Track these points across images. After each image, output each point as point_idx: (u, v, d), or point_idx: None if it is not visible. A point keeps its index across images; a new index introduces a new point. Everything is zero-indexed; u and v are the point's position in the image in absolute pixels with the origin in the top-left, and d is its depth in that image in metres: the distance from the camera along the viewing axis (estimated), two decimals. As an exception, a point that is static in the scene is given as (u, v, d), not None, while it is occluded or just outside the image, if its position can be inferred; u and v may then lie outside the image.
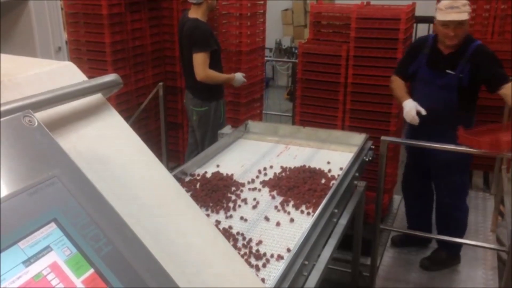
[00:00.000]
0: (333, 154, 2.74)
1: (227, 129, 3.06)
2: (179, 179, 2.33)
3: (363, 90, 3.47)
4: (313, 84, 3.63)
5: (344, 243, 2.24)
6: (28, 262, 0.58)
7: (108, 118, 0.89)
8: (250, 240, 1.88)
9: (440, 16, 2.84)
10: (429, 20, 5.86)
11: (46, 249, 0.60)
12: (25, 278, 0.57)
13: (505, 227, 3.28)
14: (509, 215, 2.92)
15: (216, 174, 2.40)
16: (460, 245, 3.22)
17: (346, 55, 3.47)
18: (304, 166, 2.52)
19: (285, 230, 1.96)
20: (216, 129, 3.31)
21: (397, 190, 4.12)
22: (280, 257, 1.76)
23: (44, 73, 0.84)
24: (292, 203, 2.16)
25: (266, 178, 2.41)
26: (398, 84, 3.08)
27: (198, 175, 2.42)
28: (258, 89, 4.36)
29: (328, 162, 2.59)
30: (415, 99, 2.97)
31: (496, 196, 3.63)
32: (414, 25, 4.27)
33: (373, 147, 2.81)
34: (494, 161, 3.82)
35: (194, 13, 3.48)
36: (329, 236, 2.03)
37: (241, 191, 2.29)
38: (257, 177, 2.42)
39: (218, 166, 2.55)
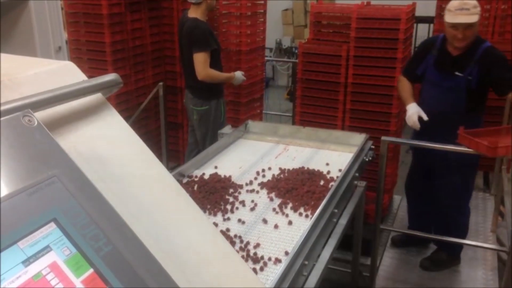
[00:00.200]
0: (333, 155, 2.74)
1: (227, 129, 3.06)
2: (177, 181, 2.31)
3: (363, 90, 3.47)
4: (313, 84, 3.63)
5: (344, 243, 2.23)
6: (27, 262, 0.58)
7: (108, 117, 0.89)
8: (248, 243, 1.86)
9: (449, 18, 2.80)
10: (429, 20, 5.88)
11: (46, 249, 0.60)
12: (24, 278, 0.57)
13: (505, 227, 3.28)
14: (509, 215, 2.92)
15: (214, 176, 2.39)
16: (460, 246, 3.22)
17: (346, 55, 3.48)
18: (303, 167, 2.51)
19: (283, 232, 1.95)
20: (217, 128, 3.31)
21: (397, 190, 4.12)
22: (277, 261, 1.74)
23: (44, 72, 0.84)
24: (290, 205, 2.14)
25: (265, 180, 2.39)
26: (404, 86, 3.08)
27: (196, 176, 2.40)
28: (258, 89, 4.36)
29: (327, 164, 2.57)
30: (422, 101, 2.97)
31: (496, 196, 3.63)
32: (414, 25, 4.27)
33: (373, 147, 2.80)
34: (494, 161, 3.82)
35: (194, 13, 3.49)
36: (329, 236, 2.02)
37: (239, 193, 2.27)
38: (256, 178, 2.41)
39: (216, 167, 2.53)
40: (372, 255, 3.00)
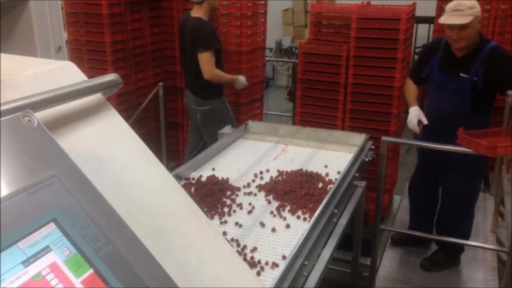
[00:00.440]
0: (332, 156, 2.73)
1: (227, 129, 3.05)
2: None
3: (363, 90, 3.47)
4: (313, 84, 3.63)
5: (344, 243, 2.23)
6: (27, 262, 0.58)
7: (108, 118, 0.89)
8: (245, 246, 1.83)
9: (442, 19, 2.80)
10: (429, 20, 5.87)
11: (46, 249, 0.60)
12: (24, 278, 0.57)
13: (505, 228, 3.27)
14: (509, 215, 2.92)
15: (212, 178, 2.35)
16: (461, 249, 3.21)
17: (347, 55, 3.47)
18: (301, 169, 2.48)
19: (281, 236, 1.92)
20: (226, 126, 3.28)
21: (397, 190, 4.12)
22: (275, 265, 1.72)
23: (44, 72, 0.84)
24: (288, 208, 2.12)
25: (262, 182, 2.36)
26: (409, 89, 3.10)
27: (193, 179, 2.37)
28: (258, 89, 4.36)
29: (326, 166, 2.55)
30: (429, 103, 2.96)
31: (496, 196, 3.63)
32: (415, 25, 4.27)
33: (373, 147, 2.80)
34: (494, 161, 3.82)
35: (197, 13, 3.49)
36: (329, 236, 2.02)
37: (237, 195, 2.23)
38: (253, 181, 2.39)
39: (213, 169, 2.50)
40: (372, 255, 3.00)
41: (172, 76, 4.32)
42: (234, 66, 3.98)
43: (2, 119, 0.67)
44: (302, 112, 3.71)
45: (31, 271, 0.58)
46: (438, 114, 2.87)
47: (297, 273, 1.63)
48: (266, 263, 1.73)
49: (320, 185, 2.32)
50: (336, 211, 2.09)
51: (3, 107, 0.68)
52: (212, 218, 2.05)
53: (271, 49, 8.07)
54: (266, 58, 5.26)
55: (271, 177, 2.42)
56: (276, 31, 8.19)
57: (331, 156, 2.73)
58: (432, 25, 5.41)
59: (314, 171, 2.46)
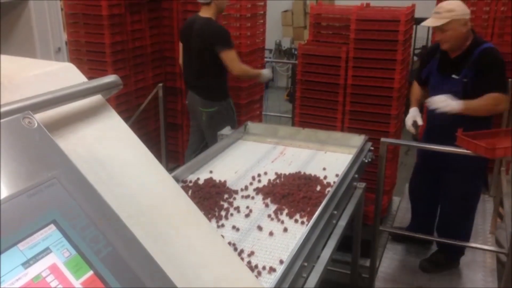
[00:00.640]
0: (331, 158, 2.71)
1: (226, 130, 3.05)
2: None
3: (362, 91, 3.47)
4: (313, 85, 3.63)
5: (344, 245, 2.23)
6: (27, 264, 0.58)
7: (108, 119, 0.89)
8: (242, 251, 1.81)
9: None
10: (428, 21, 5.87)
11: (46, 251, 0.60)
12: (24, 280, 0.57)
13: (504, 229, 3.28)
14: (509, 217, 2.92)
15: (209, 181, 2.33)
16: (461, 252, 3.21)
17: (346, 56, 3.48)
18: (299, 172, 2.46)
19: (278, 240, 1.90)
20: (232, 126, 3.27)
21: (396, 191, 4.12)
22: (272, 269, 1.70)
23: (44, 74, 0.84)
24: (286, 211, 2.10)
25: (260, 185, 2.34)
26: (413, 90, 3.16)
27: (191, 181, 2.35)
28: (257, 90, 4.36)
29: (324, 169, 2.53)
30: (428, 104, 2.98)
31: (495, 198, 3.63)
32: (414, 26, 4.27)
33: (372, 148, 2.80)
34: (493, 162, 3.82)
35: (206, 13, 3.48)
36: (329, 237, 2.01)
37: (234, 198, 2.21)
38: (251, 183, 2.36)
39: (211, 172, 2.48)
40: (371, 257, 3.00)
41: (172, 77, 4.33)
42: (233, 67, 3.97)
43: (2, 120, 0.67)
44: (301, 113, 3.71)
45: (31, 273, 0.58)
46: (435, 116, 2.88)
47: (297, 274, 1.62)
48: (263, 268, 1.71)
49: (318, 188, 2.30)
50: (335, 212, 2.09)
51: (3, 109, 0.68)
52: (209, 221, 2.03)
53: (270, 50, 8.07)
54: (266, 59, 5.27)
55: (269, 179, 2.39)
56: (275, 32, 8.20)
57: (329, 159, 2.71)
58: (431, 27, 5.40)
59: (313, 174, 2.43)
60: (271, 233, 1.94)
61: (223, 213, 2.08)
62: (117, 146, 0.88)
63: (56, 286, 0.58)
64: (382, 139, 2.84)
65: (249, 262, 1.75)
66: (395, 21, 3.30)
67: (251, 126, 3.09)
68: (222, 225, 2.01)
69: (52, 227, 0.62)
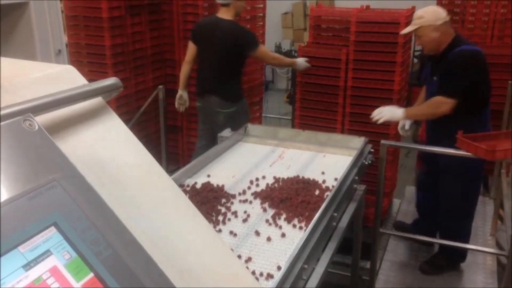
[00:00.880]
0: (330, 162, 2.69)
1: (226, 132, 3.05)
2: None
3: (362, 93, 3.48)
4: (313, 87, 3.64)
5: (344, 247, 2.22)
6: (28, 266, 0.58)
7: (108, 121, 0.89)
8: (239, 257, 1.78)
9: None
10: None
11: (46, 253, 0.60)
12: (25, 282, 0.57)
13: (504, 231, 3.27)
14: (509, 219, 2.92)
15: (207, 185, 2.29)
16: (462, 256, 3.20)
17: (346, 58, 3.48)
18: (298, 176, 2.43)
19: (276, 245, 1.87)
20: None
21: (396, 193, 4.12)
22: (269, 276, 1.67)
23: (44, 76, 0.85)
24: (284, 216, 2.06)
25: (258, 189, 2.30)
26: (420, 93, 3.19)
27: (188, 185, 2.32)
28: (257, 92, 4.36)
29: (323, 173, 2.50)
30: None
31: (496, 200, 3.63)
32: (414, 29, 4.28)
33: (372, 150, 2.80)
34: (494, 165, 3.82)
35: (226, 15, 3.50)
36: (329, 240, 2.00)
37: (232, 203, 2.18)
38: (249, 188, 2.32)
39: (209, 176, 2.45)
40: (371, 259, 3.00)
41: (172, 79, 4.33)
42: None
43: (2, 123, 0.67)
44: (301, 115, 3.71)
45: (32, 275, 0.58)
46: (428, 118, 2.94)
47: (297, 276, 1.62)
48: (261, 274, 1.68)
49: (317, 192, 2.27)
50: (335, 214, 2.08)
51: (3, 111, 0.69)
52: None
53: (270, 52, 8.07)
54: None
55: (267, 184, 2.36)
56: (275, 34, 8.21)
57: (328, 162, 2.69)
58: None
59: (311, 178, 2.40)
60: (269, 239, 1.91)
61: (220, 218, 2.04)
62: (118, 148, 0.89)
63: (57, 289, 0.59)
64: (382, 141, 2.84)
65: (246, 268, 1.73)
66: (395, 23, 3.30)
67: (251, 128, 3.09)
68: (220, 230, 1.97)
69: (52, 230, 0.62)
